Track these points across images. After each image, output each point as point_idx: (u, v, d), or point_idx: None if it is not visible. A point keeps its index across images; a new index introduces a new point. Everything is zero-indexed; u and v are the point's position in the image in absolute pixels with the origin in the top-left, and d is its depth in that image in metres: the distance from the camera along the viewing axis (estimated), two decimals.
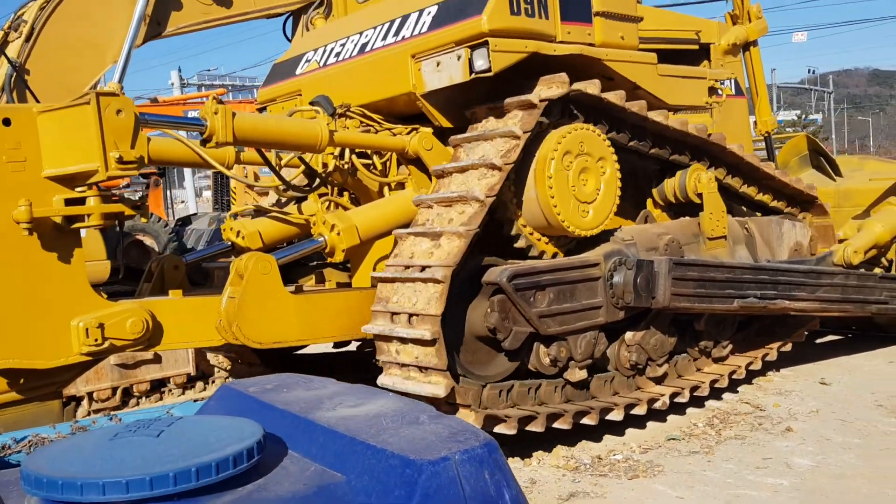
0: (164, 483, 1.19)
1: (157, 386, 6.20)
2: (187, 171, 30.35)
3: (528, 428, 4.06)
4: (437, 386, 3.78)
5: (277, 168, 4.96)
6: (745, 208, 5.86)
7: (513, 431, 3.95)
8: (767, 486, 3.77)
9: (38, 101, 5.24)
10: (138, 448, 1.30)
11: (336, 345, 5.80)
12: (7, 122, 3.31)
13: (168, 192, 22.56)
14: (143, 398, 6.09)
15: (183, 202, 30.47)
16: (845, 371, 5.86)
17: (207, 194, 31.34)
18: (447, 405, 3.89)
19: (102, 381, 5.88)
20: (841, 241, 6.00)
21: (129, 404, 6.01)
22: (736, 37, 6.56)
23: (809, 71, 61.64)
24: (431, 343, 3.72)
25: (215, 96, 3.96)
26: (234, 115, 3.92)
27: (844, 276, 5.54)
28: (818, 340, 7.05)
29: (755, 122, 7.19)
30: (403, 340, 3.87)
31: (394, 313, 3.96)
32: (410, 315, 3.85)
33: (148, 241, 12.63)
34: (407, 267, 3.99)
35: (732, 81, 6.48)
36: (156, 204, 16.72)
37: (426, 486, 1.21)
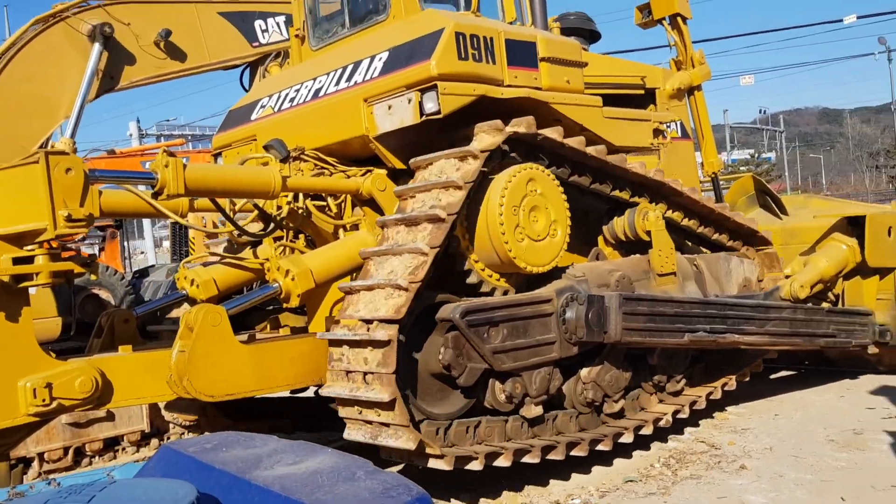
0: None
1: (111, 444, 6.05)
2: (146, 222, 29.97)
3: (467, 467, 4.07)
4: (407, 441, 3.80)
5: (231, 214, 4.97)
6: (703, 249, 6.01)
7: (449, 467, 3.95)
8: None
9: None
10: None
11: (293, 390, 5.75)
12: None
13: (126, 244, 22.26)
14: (97, 457, 5.93)
15: (143, 253, 29.99)
16: (799, 407, 5.97)
17: (168, 244, 30.95)
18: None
19: (53, 441, 5.71)
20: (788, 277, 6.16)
21: (81, 464, 5.85)
22: (680, 82, 6.80)
23: (761, 111, 63.54)
24: (385, 344, 3.74)
25: (166, 149, 3.98)
26: (185, 166, 3.94)
27: (792, 311, 5.68)
28: (772, 376, 7.17)
29: (702, 164, 7.40)
30: (357, 344, 3.88)
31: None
32: (369, 321, 3.86)
33: (104, 294, 12.37)
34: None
35: (678, 125, 6.69)
36: (112, 256, 16.45)
37: None
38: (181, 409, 5.61)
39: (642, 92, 6.48)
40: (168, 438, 6.23)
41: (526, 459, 4.29)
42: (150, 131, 33.06)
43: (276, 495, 1.41)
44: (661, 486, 4.40)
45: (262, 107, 5.60)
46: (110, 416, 5.94)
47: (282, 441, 1.82)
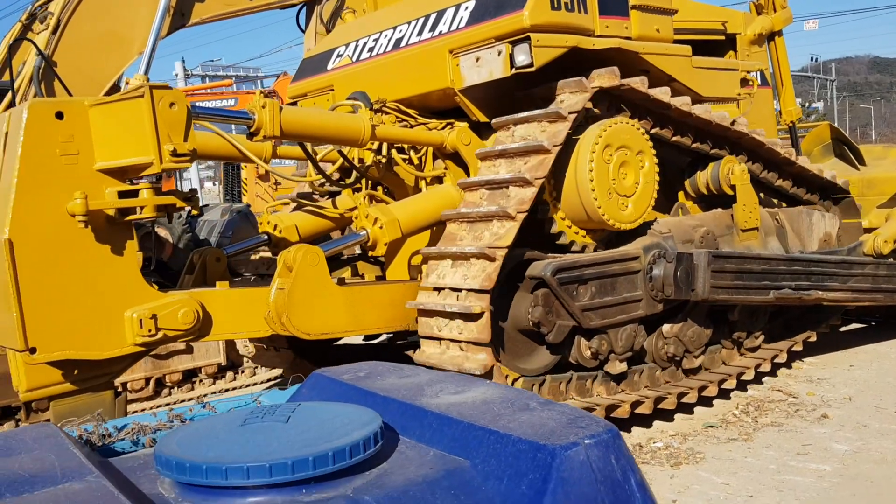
0: (304, 467, 1.18)
1: (189, 376, 6.24)
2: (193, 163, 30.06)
3: None
4: (478, 361, 3.77)
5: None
6: (775, 200, 5.89)
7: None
8: (811, 471, 3.81)
9: (69, 93, 5.28)
10: (271, 433, 1.31)
11: (366, 337, 5.83)
12: (60, 115, 3.30)
13: (179, 184, 22.58)
14: (175, 388, 6.13)
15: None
16: (874, 358, 5.88)
17: (209, 185, 31.27)
18: None
19: (136, 372, 5.90)
20: (867, 231, 6.01)
21: (161, 394, 6.06)
22: (762, 27, 6.55)
23: (812, 59, 60.66)
24: (478, 317, 3.73)
25: (262, 90, 3.98)
26: (281, 108, 3.95)
27: (875, 266, 5.57)
28: (843, 329, 7.06)
29: (780, 112, 7.19)
30: (449, 315, 3.88)
31: (440, 288, 3.98)
32: (458, 290, 3.87)
33: (162, 232, 12.60)
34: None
35: (758, 72, 6.48)
36: None
37: (560, 470, 1.20)
38: (267, 362, 5.72)
39: (723, 38, 6.27)
40: (242, 372, 6.40)
41: (615, 415, 4.31)
42: (196, 72, 33.11)
43: (457, 421, 1.33)
44: (743, 432, 4.41)
45: (339, 56, 5.55)
46: (189, 349, 6.10)
47: (433, 372, 1.74)
